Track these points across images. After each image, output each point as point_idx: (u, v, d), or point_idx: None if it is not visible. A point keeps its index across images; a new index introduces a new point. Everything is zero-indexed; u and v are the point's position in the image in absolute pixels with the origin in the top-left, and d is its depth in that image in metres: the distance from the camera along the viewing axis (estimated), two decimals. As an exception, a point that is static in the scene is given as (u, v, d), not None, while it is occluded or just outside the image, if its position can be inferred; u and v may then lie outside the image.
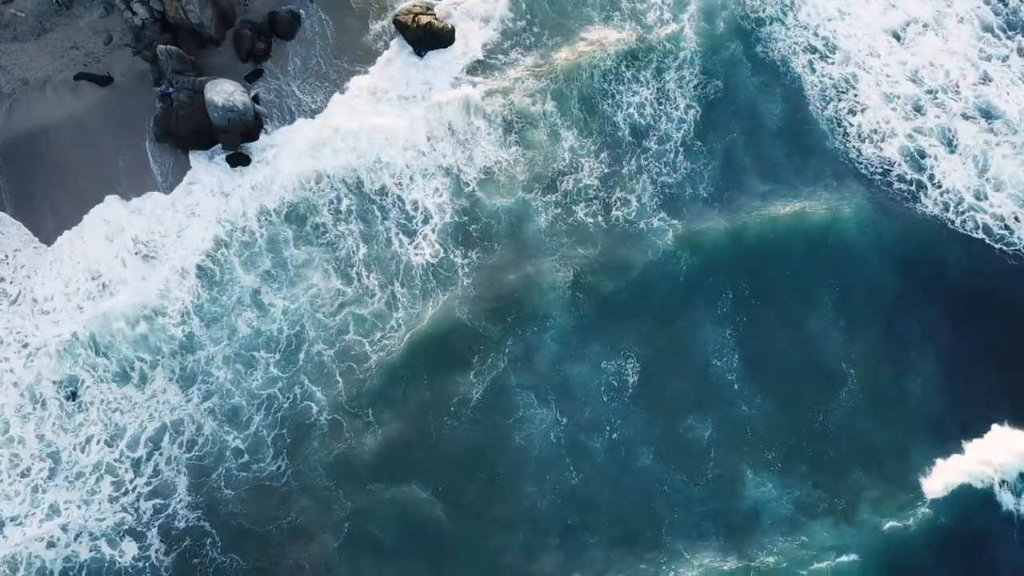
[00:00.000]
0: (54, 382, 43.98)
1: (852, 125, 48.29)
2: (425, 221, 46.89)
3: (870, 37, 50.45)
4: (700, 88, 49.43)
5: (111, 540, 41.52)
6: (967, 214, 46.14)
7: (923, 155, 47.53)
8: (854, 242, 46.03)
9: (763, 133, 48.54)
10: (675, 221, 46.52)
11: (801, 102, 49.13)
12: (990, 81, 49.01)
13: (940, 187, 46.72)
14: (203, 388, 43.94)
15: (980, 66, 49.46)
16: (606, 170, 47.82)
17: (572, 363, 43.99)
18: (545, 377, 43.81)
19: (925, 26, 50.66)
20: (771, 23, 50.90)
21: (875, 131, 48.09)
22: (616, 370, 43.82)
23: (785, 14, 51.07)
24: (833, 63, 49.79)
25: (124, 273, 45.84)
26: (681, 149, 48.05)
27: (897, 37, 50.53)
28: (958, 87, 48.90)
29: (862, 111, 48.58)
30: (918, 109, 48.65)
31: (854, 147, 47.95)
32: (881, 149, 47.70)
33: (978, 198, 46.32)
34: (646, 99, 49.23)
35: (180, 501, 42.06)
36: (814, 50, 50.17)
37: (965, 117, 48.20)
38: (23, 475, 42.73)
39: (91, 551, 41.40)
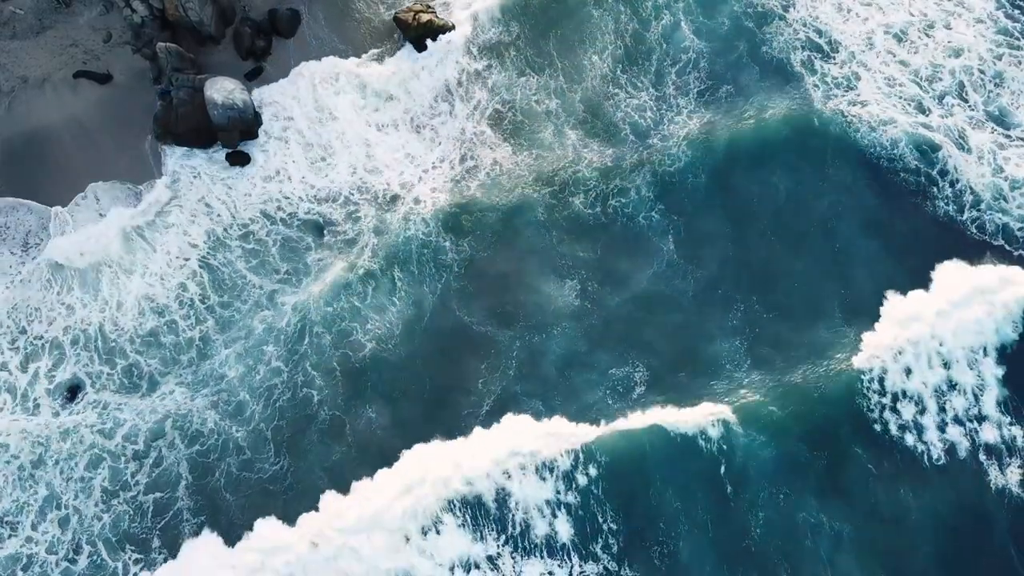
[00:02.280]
0: (47, 390, 44.02)
1: (855, 119, 48.02)
2: (427, 217, 46.82)
3: (872, 35, 50.15)
4: (702, 90, 49.51)
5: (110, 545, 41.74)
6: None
7: (935, 148, 47.24)
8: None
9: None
10: (675, 217, 46.69)
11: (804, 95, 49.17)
12: (1003, 81, 48.66)
13: (955, 184, 46.48)
14: (215, 388, 43.97)
15: (992, 66, 49.07)
16: (608, 165, 47.72)
17: (575, 363, 44.27)
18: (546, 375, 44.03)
19: (931, 26, 50.32)
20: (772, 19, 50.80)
21: (879, 125, 47.82)
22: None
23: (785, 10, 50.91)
24: (836, 62, 49.55)
25: (128, 265, 46.09)
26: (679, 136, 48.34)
27: (899, 38, 50.26)
28: (966, 91, 48.52)
29: (863, 107, 48.35)
30: (922, 111, 48.42)
31: (855, 136, 47.69)
32: (883, 139, 47.43)
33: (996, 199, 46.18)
34: (645, 104, 49.20)
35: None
36: (815, 47, 49.95)
37: (973, 121, 47.90)
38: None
39: (90, 557, 41.49)
